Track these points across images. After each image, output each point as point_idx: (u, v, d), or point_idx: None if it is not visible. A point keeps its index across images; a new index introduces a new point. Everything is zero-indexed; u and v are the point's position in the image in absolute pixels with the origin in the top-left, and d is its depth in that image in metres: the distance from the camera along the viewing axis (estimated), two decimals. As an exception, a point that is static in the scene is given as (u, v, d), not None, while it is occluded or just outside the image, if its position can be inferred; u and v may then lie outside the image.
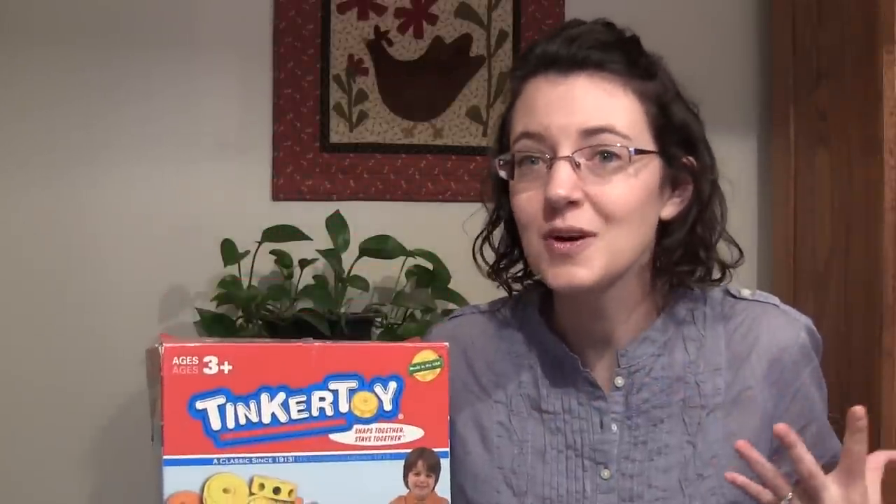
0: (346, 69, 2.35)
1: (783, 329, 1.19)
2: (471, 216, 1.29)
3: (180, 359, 0.98)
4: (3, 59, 2.20)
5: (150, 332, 2.24)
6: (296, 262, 2.20)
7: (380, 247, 2.19)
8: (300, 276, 2.20)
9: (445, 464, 1.05)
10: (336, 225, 2.17)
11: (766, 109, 2.49)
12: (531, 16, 2.42)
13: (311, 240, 2.16)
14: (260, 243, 2.15)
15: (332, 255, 2.14)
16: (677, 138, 1.15)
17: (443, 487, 1.05)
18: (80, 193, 2.24)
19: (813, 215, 2.27)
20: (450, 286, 2.19)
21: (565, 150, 1.09)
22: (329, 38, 2.34)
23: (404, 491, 1.04)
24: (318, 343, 1.04)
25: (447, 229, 2.31)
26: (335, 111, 2.34)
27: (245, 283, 2.15)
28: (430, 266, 2.21)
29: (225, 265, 2.13)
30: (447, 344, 1.05)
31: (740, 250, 1.22)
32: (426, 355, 1.05)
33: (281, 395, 1.01)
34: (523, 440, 1.20)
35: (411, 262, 2.24)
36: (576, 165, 1.09)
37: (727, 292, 1.23)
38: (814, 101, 2.28)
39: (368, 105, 2.36)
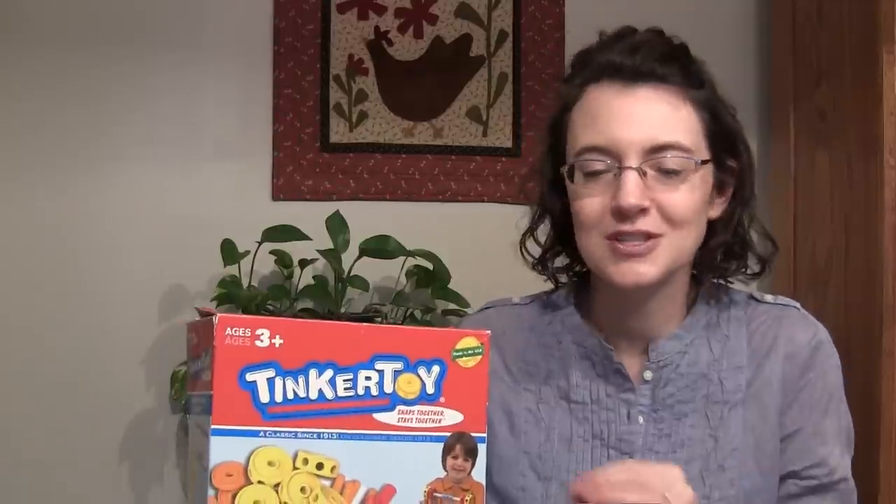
0: (346, 69, 2.35)
1: (800, 330, 1.22)
2: (521, 217, 1.30)
3: (233, 329, 0.98)
4: (7, 63, 2.21)
5: (151, 331, 2.24)
6: (296, 262, 2.20)
7: (380, 247, 2.19)
8: (300, 276, 2.21)
9: (482, 449, 1.06)
10: (336, 225, 2.17)
11: (766, 109, 2.49)
12: (531, 16, 2.42)
13: (311, 240, 2.17)
14: (260, 243, 2.15)
15: (332, 255, 2.14)
16: (726, 144, 1.20)
17: (478, 472, 1.06)
18: (81, 194, 2.24)
19: (813, 215, 2.27)
20: (450, 286, 2.19)
21: (632, 160, 1.13)
22: (329, 38, 2.35)
23: (442, 473, 1.04)
24: (366, 324, 1.06)
25: (447, 229, 2.33)
26: (335, 111, 2.34)
27: (245, 283, 2.15)
28: (430, 266, 2.21)
29: (225, 265, 2.13)
30: (489, 332, 1.06)
31: (774, 243, 1.26)
32: (469, 342, 1.06)
33: (329, 372, 1.01)
34: (550, 427, 1.23)
35: (411, 262, 2.24)
36: (643, 174, 1.13)
37: (751, 297, 1.27)
38: (814, 101, 2.28)
39: (368, 105, 2.36)
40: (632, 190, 1.11)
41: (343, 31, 2.35)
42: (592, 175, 1.15)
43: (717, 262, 1.22)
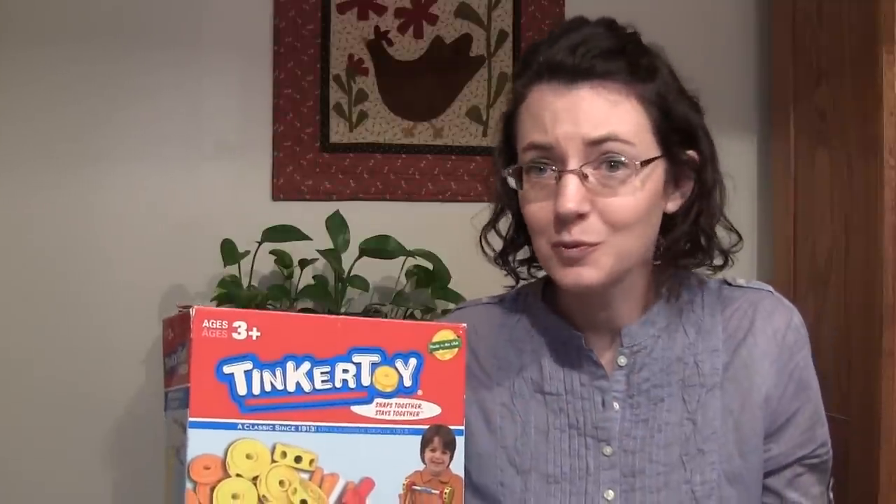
0: (346, 69, 2.35)
1: (778, 313, 1.23)
2: (476, 214, 1.32)
3: (210, 322, 0.99)
4: (6, 59, 2.21)
5: (151, 331, 2.24)
6: (296, 262, 2.20)
7: (380, 247, 2.19)
8: (300, 276, 2.21)
9: (460, 442, 1.07)
10: (336, 225, 2.17)
11: (766, 109, 2.49)
12: (531, 16, 2.43)
13: (311, 240, 2.17)
14: (260, 243, 2.15)
15: (332, 255, 2.15)
16: (679, 136, 1.18)
17: (457, 465, 1.07)
18: (81, 193, 2.24)
19: (813, 215, 2.27)
20: (450, 286, 2.20)
21: (573, 163, 1.12)
22: (329, 38, 2.35)
23: (420, 466, 1.05)
24: (343, 316, 1.06)
25: (447, 229, 2.32)
26: (335, 111, 2.34)
27: (245, 283, 2.15)
28: (430, 266, 2.21)
29: (225, 265, 2.13)
30: (465, 325, 1.08)
31: (739, 235, 1.26)
32: (445, 335, 1.08)
33: (306, 365, 1.02)
34: (526, 421, 1.23)
35: (411, 262, 2.24)
36: (583, 177, 1.12)
37: (724, 281, 1.27)
38: (814, 101, 2.28)
39: (368, 105, 2.36)
40: (570, 195, 1.11)
41: (343, 31, 2.35)
42: (537, 176, 1.14)
43: (678, 254, 1.21)
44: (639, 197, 1.13)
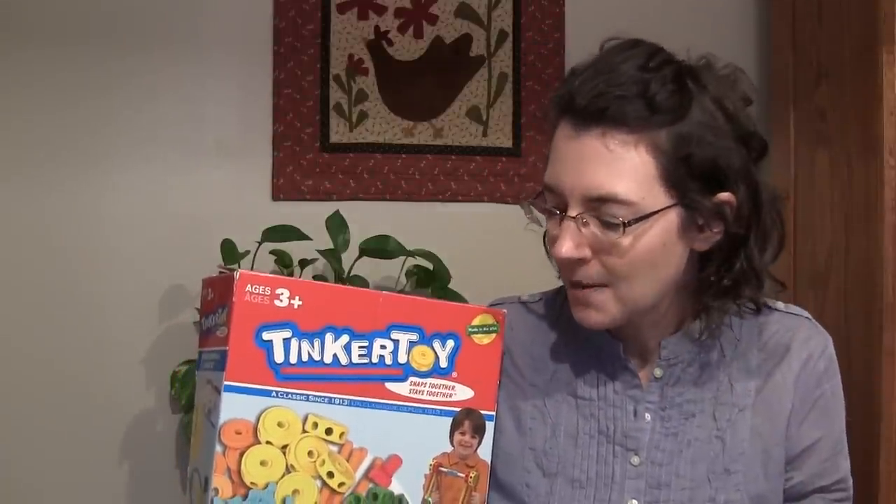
0: (346, 69, 2.35)
1: (813, 340, 1.23)
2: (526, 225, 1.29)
3: (253, 287, 0.99)
4: (6, 61, 2.21)
5: (151, 331, 2.24)
6: (296, 262, 2.20)
7: (380, 247, 2.19)
8: (300, 276, 2.20)
9: (490, 427, 1.08)
10: (336, 225, 2.17)
11: (766, 109, 2.49)
12: (531, 16, 2.42)
13: (311, 240, 2.17)
14: (260, 243, 2.15)
15: (332, 255, 2.15)
16: (700, 183, 1.12)
17: (485, 450, 1.08)
18: (81, 194, 2.24)
19: (813, 215, 2.27)
20: (450, 286, 2.19)
21: (573, 209, 1.12)
22: (329, 38, 2.34)
23: (448, 448, 1.06)
24: (385, 292, 1.06)
25: (447, 229, 2.33)
26: (335, 111, 2.34)
27: (245, 283, 2.15)
28: (430, 266, 2.21)
29: (225, 265, 2.13)
30: (506, 311, 1.08)
31: (783, 285, 1.25)
32: (485, 318, 1.09)
33: (344, 338, 1.02)
34: (556, 423, 1.23)
35: (411, 262, 2.24)
36: (583, 223, 1.12)
37: (764, 303, 1.26)
38: (814, 101, 2.28)
39: (368, 105, 2.36)
40: (565, 241, 1.11)
41: (343, 31, 2.35)
42: (552, 216, 1.15)
43: (710, 293, 1.18)
44: (636, 248, 1.11)
